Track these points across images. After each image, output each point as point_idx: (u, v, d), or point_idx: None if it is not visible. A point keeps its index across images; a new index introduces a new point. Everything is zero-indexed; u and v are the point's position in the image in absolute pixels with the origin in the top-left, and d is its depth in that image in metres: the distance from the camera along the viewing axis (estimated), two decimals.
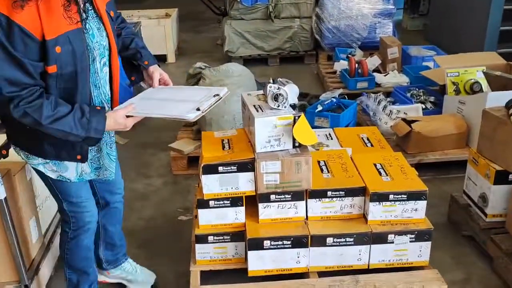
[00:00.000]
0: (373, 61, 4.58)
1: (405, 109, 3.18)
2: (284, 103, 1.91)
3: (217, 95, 1.68)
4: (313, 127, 3.09)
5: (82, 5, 1.40)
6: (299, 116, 1.89)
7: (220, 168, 1.89)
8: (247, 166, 1.89)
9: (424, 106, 3.40)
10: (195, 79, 3.37)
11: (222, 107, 3.06)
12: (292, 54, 5.52)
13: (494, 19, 4.86)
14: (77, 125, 1.39)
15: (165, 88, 1.78)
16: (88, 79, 1.47)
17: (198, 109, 1.55)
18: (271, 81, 1.99)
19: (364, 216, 1.99)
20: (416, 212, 1.94)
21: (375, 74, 4.27)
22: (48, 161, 1.56)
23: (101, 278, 2.10)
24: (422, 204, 1.94)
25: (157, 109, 1.60)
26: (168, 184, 2.98)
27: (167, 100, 1.67)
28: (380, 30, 5.27)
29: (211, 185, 1.92)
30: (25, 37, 1.26)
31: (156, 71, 1.77)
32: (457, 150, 2.95)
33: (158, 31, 5.35)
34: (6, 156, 1.63)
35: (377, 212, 1.94)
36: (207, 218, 1.98)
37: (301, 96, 3.98)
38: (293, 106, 1.96)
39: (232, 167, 1.89)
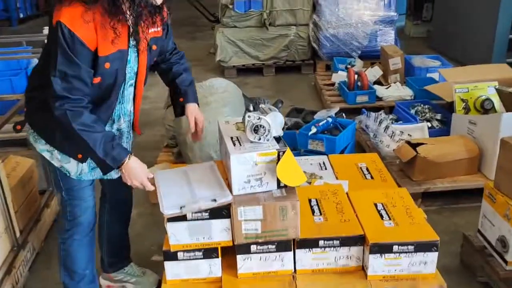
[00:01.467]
0: (374, 72, 4.27)
1: (409, 129, 2.86)
2: (266, 135, 1.60)
3: (214, 200, 1.56)
4: (307, 150, 2.79)
5: (132, 33, 1.52)
6: (284, 152, 1.57)
7: (189, 215, 1.57)
8: (222, 212, 1.58)
9: (430, 125, 3.09)
10: None
11: (205, 128, 2.75)
12: (288, 64, 5.22)
13: (503, 26, 4.55)
14: (101, 145, 1.48)
15: (202, 169, 1.81)
16: (118, 93, 1.60)
17: (181, 208, 1.56)
18: (251, 108, 1.68)
19: (363, 269, 1.67)
20: (425, 265, 1.62)
21: (376, 86, 3.96)
22: (54, 149, 1.62)
23: (105, 283, 2.09)
24: (432, 256, 1.62)
25: (164, 189, 1.67)
26: (144, 216, 2.67)
27: (182, 183, 1.71)
28: (381, 38, 4.96)
29: (178, 234, 1.60)
30: (83, 48, 1.41)
31: (191, 114, 1.84)
32: (467, 176, 2.62)
33: None
34: (20, 131, 1.77)
35: (379, 265, 1.62)
36: (175, 272, 1.67)
37: (296, 111, 3.67)
38: (277, 139, 1.64)
39: (204, 213, 1.58)
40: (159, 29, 1.65)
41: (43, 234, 2.38)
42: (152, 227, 2.54)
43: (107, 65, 1.48)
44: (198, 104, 1.88)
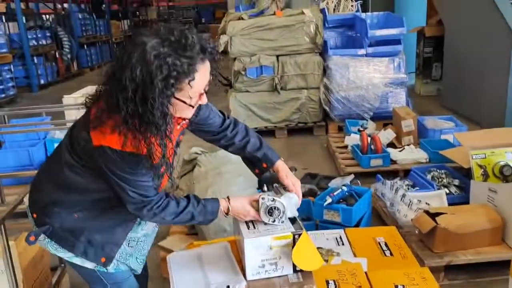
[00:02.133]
0: (386, 135, 4.26)
1: (426, 197, 2.79)
2: (280, 217, 1.57)
3: (228, 287, 1.54)
4: (323, 221, 2.73)
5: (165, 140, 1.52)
6: (299, 235, 1.53)
7: None
8: None
9: (448, 191, 3.02)
10: (190, 165, 3.07)
11: None
12: (300, 126, 5.27)
13: None
14: (196, 212, 1.54)
15: (216, 251, 1.78)
16: None
17: None
18: (265, 188, 1.66)
19: None
20: None
21: (389, 149, 3.93)
22: None
23: None
24: None
25: (177, 275, 1.64)
26: None
27: (195, 266, 1.69)
28: (392, 99, 5.00)
29: None
30: (143, 158, 1.42)
31: (285, 178, 1.67)
32: (492, 248, 2.51)
33: None
34: (33, 243, 1.58)
35: None
36: None
37: (310, 176, 3.65)
38: (292, 220, 1.61)
39: None
40: (186, 120, 1.58)
41: None
42: None
43: (163, 168, 1.49)
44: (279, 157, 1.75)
